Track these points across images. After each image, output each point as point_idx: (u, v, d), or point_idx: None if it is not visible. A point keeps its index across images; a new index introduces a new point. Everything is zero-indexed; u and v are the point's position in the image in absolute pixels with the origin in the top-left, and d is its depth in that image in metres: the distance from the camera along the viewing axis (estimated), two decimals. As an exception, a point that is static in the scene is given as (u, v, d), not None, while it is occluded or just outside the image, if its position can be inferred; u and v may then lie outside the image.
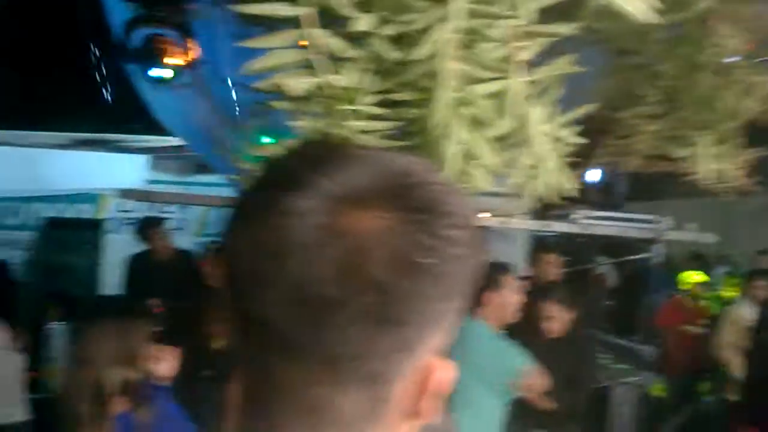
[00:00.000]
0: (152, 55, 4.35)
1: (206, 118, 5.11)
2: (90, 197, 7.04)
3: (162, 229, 5.11)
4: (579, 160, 1.31)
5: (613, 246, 6.39)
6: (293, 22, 1.06)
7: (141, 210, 7.20)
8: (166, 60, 4.55)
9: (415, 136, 1.12)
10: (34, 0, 5.30)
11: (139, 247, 5.32)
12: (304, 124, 1.11)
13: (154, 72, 4.53)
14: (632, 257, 5.82)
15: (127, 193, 5.46)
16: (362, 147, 0.67)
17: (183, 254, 5.17)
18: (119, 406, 2.07)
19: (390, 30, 1.02)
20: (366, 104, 1.08)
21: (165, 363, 2.28)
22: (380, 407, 0.58)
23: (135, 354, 2.01)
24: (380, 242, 0.55)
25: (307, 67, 1.06)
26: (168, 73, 4.66)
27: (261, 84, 1.08)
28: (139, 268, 4.96)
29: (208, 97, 5.08)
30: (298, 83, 1.05)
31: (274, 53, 1.06)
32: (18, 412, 3.97)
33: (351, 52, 1.05)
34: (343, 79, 1.05)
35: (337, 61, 1.05)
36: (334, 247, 0.54)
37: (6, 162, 6.57)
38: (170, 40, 4.35)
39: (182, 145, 6.61)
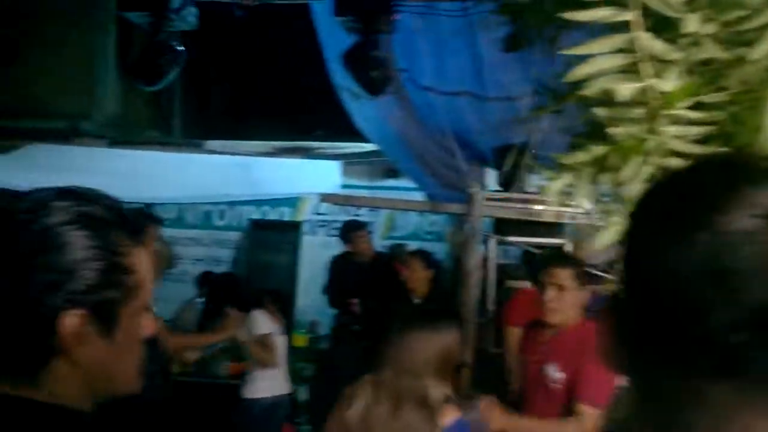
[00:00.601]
0: (357, 65, 4.54)
1: (403, 125, 5.26)
2: (290, 201, 7.61)
3: (364, 232, 5.37)
4: None
5: None
6: (616, 27, 1.06)
7: (333, 213, 7.61)
8: (369, 70, 4.73)
9: (729, 140, 1.07)
10: (245, 19, 5.80)
11: (333, 248, 5.62)
12: (621, 131, 1.10)
13: (359, 81, 4.72)
14: None
15: (326, 197, 5.81)
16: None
17: (382, 256, 5.39)
18: (448, 414, 2.06)
19: (716, 29, 0.98)
20: (683, 108, 1.05)
21: None
22: None
23: (455, 361, 2.03)
24: None
25: (630, 72, 1.06)
26: (371, 82, 4.84)
27: (585, 90, 1.09)
28: (340, 268, 5.24)
29: (407, 104, 5.23)
30: (624, 88, 1.04)
31: (598, 59, 1.06)
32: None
33: (675, 54, 1.03)
34: (667, 83, 1.03)
35: (660, 64, 1.03)
36: None
37: (221, 169, 7.26)
38: (374, 50, 4.50)
39: (374, 151, 6.89)
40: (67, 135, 7.78)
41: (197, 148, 7.80)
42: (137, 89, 9.09)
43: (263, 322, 4.34)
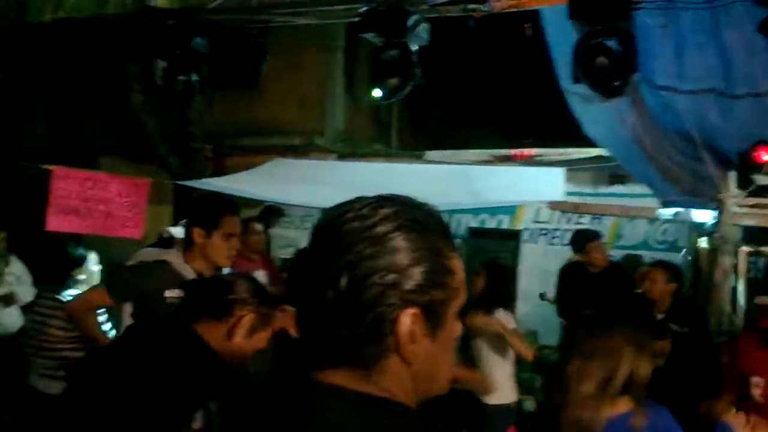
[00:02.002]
0: (591, 67, 4.36)
1: (638, 128, 4.97)
2: (509, 209, 7.57)
3: (598, 241, 5.17)
4: None
5: None
6: None
7: (554, 221, 7.42)
8: (603, 72, 4.54)
9: None
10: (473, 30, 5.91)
11: (553, 257, 5.43)
12: None
13: (592, 84, 4.53)
14: None
15: (555, 205, 5.67)
16: None
17: (616, 267, 5.14)
18: (620, 407, 2.08)
19: None
20: None
21: None
22: None
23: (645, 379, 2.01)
24: None
25: None
26: (604, 85, 4.64)
27: None
28: (572, 278, 5.09)
29: (641, 106, 4.94)
30: None
31: None
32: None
33: None
34: None
35: None
36: None
37: (440, 178, 7.43)
38: (610, 51, 4.30)
39: (597, 156, 6.60)
40: (303, 150, 8.52)
41: (417, 158, 8.06)
42: (361, 106, 9.73)
43: (508, 323, 4.29)
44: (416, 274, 0.99)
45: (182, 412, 1.67)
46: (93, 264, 4.64)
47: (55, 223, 5.56)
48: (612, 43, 3.94)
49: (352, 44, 9.04)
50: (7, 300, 5.24)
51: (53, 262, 4.11)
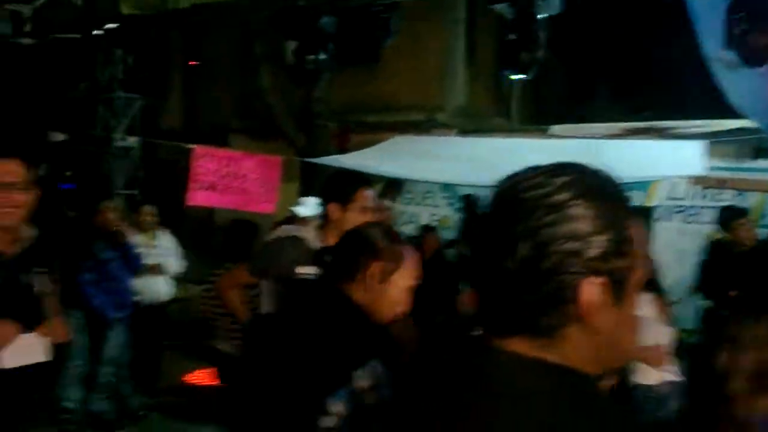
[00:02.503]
0: (740, 31, 4.06)
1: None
2: (641, 185, 7.21)
3: (745, 219, 4.85)
4: None
5: None
6: None
7: (690, 198, 7.00)
8: (752, 36, 4.22)
9: None
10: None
11: (690, 235, 5.11)
12: None
13: (740, 50, 4.23)
14: None
15: (698, 180, 5.34)
16: None
17: (764, 245, 4.80)
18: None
19: None
20: None
21: None
22: None
23: None
24: None
25: None
26: (753, 50, 4.31)
27: None
28: (717, 257, 4.81)
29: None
30: None
31: None
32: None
33: None
34: None
35: None
36: None
37: (565, 153, 7.21)
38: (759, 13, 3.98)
39: (741, 128, 6.14)
40: (424, 126, 8.54)
41: (542, 133, 7.86)
42: (481, 80, 9.59)
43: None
44: (599, 243, 0.96)
45: (342, 370, 1.73)
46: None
47: (195, 198, 5.94)
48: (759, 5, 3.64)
49: (474, 17, 8.91)
50: (156, 270, 5.65)
51: (240, 238, 4.33)
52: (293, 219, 5.22)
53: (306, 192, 7.90)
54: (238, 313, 3.32)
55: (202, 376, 6.29)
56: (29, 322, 2.37)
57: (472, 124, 8.85)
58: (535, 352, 0.98)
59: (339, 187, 2.90)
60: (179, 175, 10.97)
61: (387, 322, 1.93)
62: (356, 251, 1.94)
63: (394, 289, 1.91)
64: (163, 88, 9.75)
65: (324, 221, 2.90)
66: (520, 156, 7.08)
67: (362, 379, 1.74)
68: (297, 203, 5.00)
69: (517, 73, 4.47)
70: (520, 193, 1.01)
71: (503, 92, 9.84)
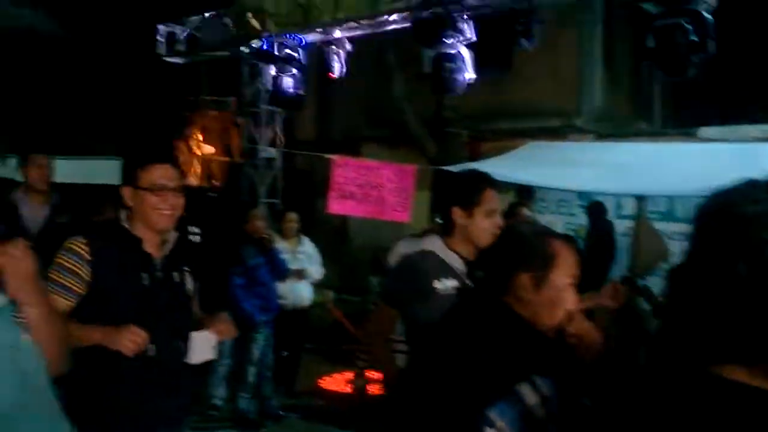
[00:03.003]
0: None
1: None
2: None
3: None
4: None
5: None
6: None
7: None
8: None
9: None
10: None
11: None
12: None
13: None
14: None
15: None
16: None
17: None
18: None
19: None
20: None
21: None
22: None
23: None
24: None
25: None
26: None
27: None
28: None
29: None
30: None
31: None
32: None
33: None
34: None
35: None
36: None
37: (717, 157, 6.73)
38: None
39: None
40: (560, 132, 8.31)
41: (689, 136, 7.39)
42: (619, 82, 9.19)
43: None
44: None
45: (505, 384, 1.69)
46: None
47: (335, 206, 6.13)
48: None
49: (611, 17, 8.57)
50: (300, 275, 5.87)
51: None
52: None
53: (437, 200, 7.93)
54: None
55: (336, 382, 6.48)
56: (183, 322, 2.47)
57: (611, 129, 8.50)
58: (758, 381, 0.91)
59: (462, 190, 2.69)
60: (314, 184, 11.42)
61: (557, 326, 1.84)
62: (500, 264, 1.84)
63: (553, 292, 1.79)
64: (299, 100, 10.14)
65: (448, 227, 2.68)
66: (664, 161, 6.69)
67: (528, 394, 1.69)
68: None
69: (669, 74, 4.21)
70: (737, 207, 0.95)
71: (643, 94, 9.37)
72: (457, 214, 2.62)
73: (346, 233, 11.63)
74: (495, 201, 2.65)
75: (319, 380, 6.59)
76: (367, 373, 5.62)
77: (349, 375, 6.34)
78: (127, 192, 2.41)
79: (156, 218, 2.40)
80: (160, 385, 2.41)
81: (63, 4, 12.05)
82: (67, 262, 2.31)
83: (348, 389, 6.13)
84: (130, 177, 2.43)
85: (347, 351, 7.43)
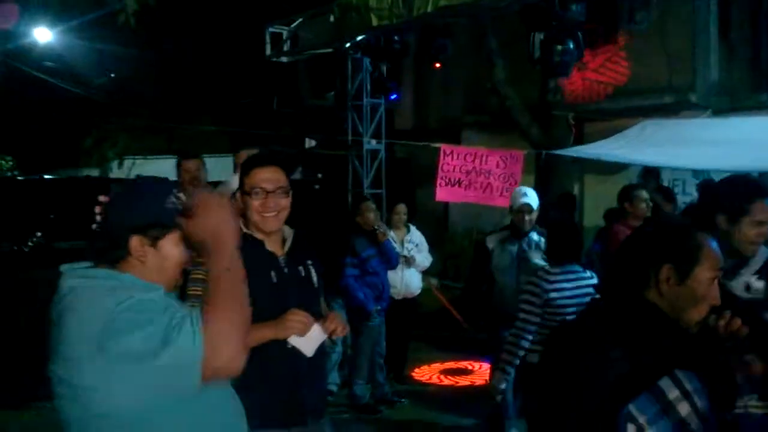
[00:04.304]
0: None
1: None
2: None
3: None
4: None
5: None
6: None
7: None
8: None
9: None
10: None
11: None
12: None
13: None
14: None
15: None
16: None
17: None
18: None
19: None
20: None
21: None
22: None
23: None
24: None
25: None
26: None
27: None
28: None
29: None
30: None
31: None
32: None
33: None
34: None
35: None
36: None
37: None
38: None
39: None
40: (673, 109, 7.93)
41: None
42: (736, 55, 8.65)
43: None
44: None
45: (646, 379, 1.65)
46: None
47: (443, 194, 6.16)
48: None
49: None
50: (409, 263, 5.96)
51: (567, 241, 4.04)
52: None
53: (541, 185, 7.79)
54: None
55: (434, 371, 6.57)
56: (314, 313, 2.52)
57: (728, 103, 8.02)
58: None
59: (731, 198, 2.58)
60: (413, 172, 11.49)
61: (699, 321, 1.79)
62: (643, 256, 1.80)
63: (698, 286, 1.74)
64: (399, 90, 10.20)
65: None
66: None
67: (669, 388, 1.64)
68: (516, 194, 4.84)
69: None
70: None
71: (762, 65, 8.79)
72: (722, 220, 2.54)
73: (446, 220, 11.64)
74: (765, 212, 2.54)
75: (429, 366, 6.71)
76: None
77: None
78: (238, 197, 2.54)
79: (261, 221, 2.49)
80: (304, 377, 2.50)
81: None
82: (198, 274, 2.42)
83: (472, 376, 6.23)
84: (240, 182, 2.56)
85: (454, 337, 7.52)
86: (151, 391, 1.52)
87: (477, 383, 6.36)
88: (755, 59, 8.70)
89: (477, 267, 4.96)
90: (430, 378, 6.55)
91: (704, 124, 7.49)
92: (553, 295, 3.86)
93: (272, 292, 2.45)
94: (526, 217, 4.74)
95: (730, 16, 8.43)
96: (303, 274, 2.60)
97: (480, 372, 6.60)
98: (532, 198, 4.82)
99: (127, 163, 15.93)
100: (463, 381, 6.48)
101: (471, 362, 6.86)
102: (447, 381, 6.48)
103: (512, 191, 6.21)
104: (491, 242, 4.92)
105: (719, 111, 7.92)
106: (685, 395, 1.59)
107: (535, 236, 4.81)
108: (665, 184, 8.19)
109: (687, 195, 8.23)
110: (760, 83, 8.68)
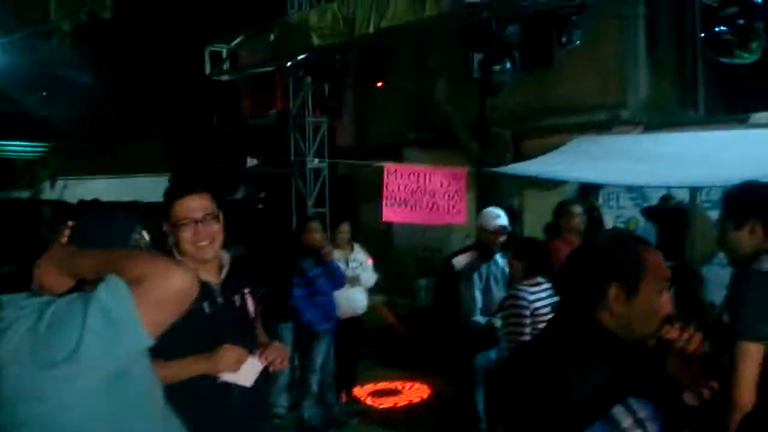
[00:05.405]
0: None
1: None
2: None
3: None
4: None
5: None
6: None
7: None
8: None
9: None
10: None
11: None
12: None
13: None
14: None
15: None
16: None
17: None
18: None
19: None
20: None
21: None
22: None
23: None
24: None
25: None
26: None
27: None
28: None
29: None
30: None
31: None
32: None
33: None
34: None
35: None
36: None
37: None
38: None
39: None
40: (605, 125, 8.19)
41: (740, 123, 7.21)
42: (664, 70, 9.01)
43: None
44: None
45: (598, 406, 1.64)
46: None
47: (389, 214, 6.17)
48: None
49: (653, 7, 8.44)
50: (354, 282, 5.94)
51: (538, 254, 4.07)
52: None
53: (483, 202, 7.92)
54: None
55: (392, 386, 6.54)
56: (249, 344, 2.44)
57: (659, 119, 8.35)
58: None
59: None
60: (356, 189, 11.49)
61: (651, 336, 1.77)
62: (588, 278, 1.78)
63: (647, 300, 1.72)
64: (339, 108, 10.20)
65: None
66: (714, 150, 6.50)
67: (623, 416, 1.61)
68: (489, 215, 4.95)
69: (725, 57, 4.12)
70: None
71: (689, 82, 9.19)
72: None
73: (390, 237, 11.66)
74: None
75: (376, 384, 6.68)
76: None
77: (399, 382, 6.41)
78: (166, 228, 2.41)
79: (196, 251, 2.39)
80: (237, 412, 2.41)
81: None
82: None
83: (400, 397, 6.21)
84: (165, 214, 2.42)
85: (401, 354, 7.53)
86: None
87: (413, 401, 6.35)
88: (682, 76, 9.09)
89: (444, 289, 5.00)
90: (365, 399, 6.51)
91: (636, 140, 7.77)
92: (537, 305, 3.95)
93: (205, 324, 2.35)
94: (500, 239, 4.85)
95: (658, 34, 8.81)
96: (238, 303, 2.51)
97: (409, 391, 6.60)
98: (504, 219, 4.91)
99: (59, 184, 15.36)
100: (389, 403, 6.39)
101: (402, 382, 6.82)
102: (377, 403, 6.42)
103: (459, 208, 6.29)
104: (459, 263, 4.96)
105: (650, 127, 8.22)
106: (639, 423, 1.57)
107: (500, 260, 4.90)
108: (601, 197, 8.46)
109: (621, 209, 8.52)
110: (687, 99, 9.08)
